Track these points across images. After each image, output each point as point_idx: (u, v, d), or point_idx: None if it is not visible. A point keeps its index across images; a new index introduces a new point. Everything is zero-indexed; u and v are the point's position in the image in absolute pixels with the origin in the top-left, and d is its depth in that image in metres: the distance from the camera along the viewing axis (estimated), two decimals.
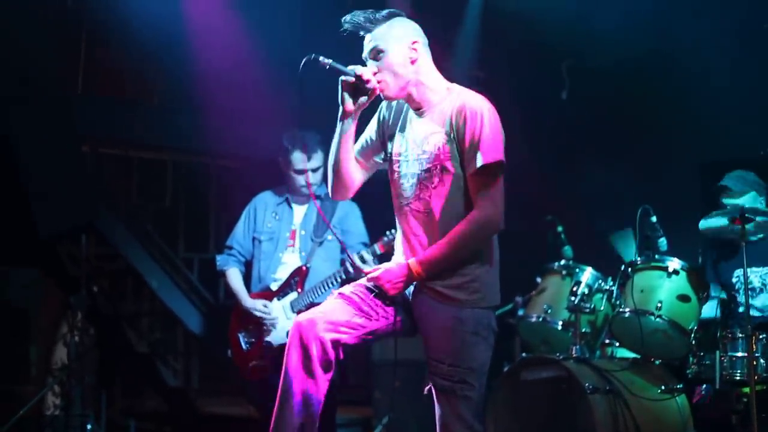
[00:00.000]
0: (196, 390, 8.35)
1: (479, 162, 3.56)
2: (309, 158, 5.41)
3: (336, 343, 3.62)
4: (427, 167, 3.67)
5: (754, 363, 4.50)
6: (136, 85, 8.53)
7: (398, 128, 3.82)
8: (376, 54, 3.69)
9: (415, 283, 3.70)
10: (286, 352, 3.64)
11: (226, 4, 7.41)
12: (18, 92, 6.09)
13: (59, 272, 7.17)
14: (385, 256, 5.19)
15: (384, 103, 3.89)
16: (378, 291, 3.71)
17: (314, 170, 5.44)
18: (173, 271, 7.77)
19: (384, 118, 3.88)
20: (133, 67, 8.21)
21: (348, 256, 5.21)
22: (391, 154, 3.83)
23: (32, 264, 7.40)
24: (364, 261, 5.13)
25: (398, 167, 3.79)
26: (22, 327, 7.68)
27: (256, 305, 5.37)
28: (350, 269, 5.14)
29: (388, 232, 5.12)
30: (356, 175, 3.88)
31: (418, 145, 3.72)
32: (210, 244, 8.82)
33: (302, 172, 5.43)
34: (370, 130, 3.90)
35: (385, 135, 3.86)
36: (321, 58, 3.61)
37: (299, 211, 5.54)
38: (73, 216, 6.56)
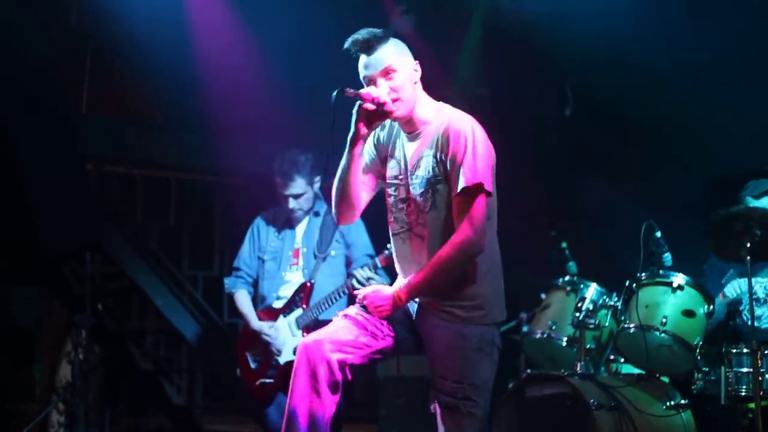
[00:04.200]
0: (200, 408, 8.34)
1: (460, 185, 3.54)
2: (287, 187, 5.40)
3: (342, 364, 3.62)
4: (420, 191, 3.66)
5: (760, 378, 4.49)
6: (140, 103, 8.57)
7: (391, 151, 3.81)
8: (387, 73, 3.63)
9: (418, 302, 3.72)
10: (293, 374, 3.63)
11: (231, 23, 7.44)
12: (23, 111, 6.12)
13: (64, 291, 7.18)
14: (388, 270, 5.21)
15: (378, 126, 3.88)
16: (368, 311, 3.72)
17: (296, 197, 5.41)
18: (178, 289, 7.77)
19: (380, 140, 3.86)
20: (138, 85, 8.24)
21: (348, 278, 5.22)
22: (385, 178, 3.82)
23: (37, 283, 7.42)
24: (367, 279, 5.13)
25: (393, 191, 3.78)
26: (27, 345, 7.68)
27: (263, 328, 5.37)
28: (354, 284, 5.14)
29: (389, 245, 5.12)
30: (363, 197, 3.85)
31: (411, 169, 3.70)
32: (215, 261, 8.83)
33: (285, 197, 5.44)
34: (368, 152, 3.87)
35: (382, 156, 3.85)
36: (347, 89, 3.57)
37: (300, 228, 5.55)
38: (78, 234, 6.59)
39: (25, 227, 6.17)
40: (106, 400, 7.26)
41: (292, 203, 5.43)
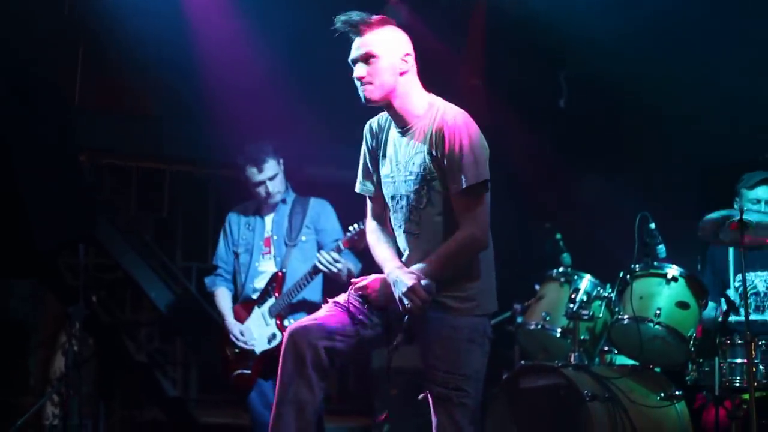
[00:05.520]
0: (194, 400, 8.34)
1: (463, 184, 3.55)
2: (261, 170, 5.50)
3: (330, 351, 3.62)
4: (415, 188, 3.67)
5: (754, 369, 4.49)
6: (134, 95, 8.53)
7: (383, 149, 3.81)
8: (368, 58, 3.66)
9: None
10: (281, 360, 3.64)
11: (227, 14, 7.42)
12: (15, 103, 6.09)
13: (58, 283, 7.17)
14: (354, 252, 5.26)
15: (366, 129, 3.89)
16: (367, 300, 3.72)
17: (271, 179, 5.51)
18: (171, 281, 7.76)
19: (369, 143, 3.88)
20: (131, 77, 8.20)
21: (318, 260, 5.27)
22: (380, 176, 3.83)
23: (31, 275, 7.40)
24: (334, 261, 5.18)
25: (388, 189, 3.80)
26: (21, 338, 7.67)
27: (233, 329, 5.44)
28: (318, 266, 5.20)
29: (351, 228, 5.19)
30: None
31: (404, 165, 3.71)
32: (208, 253, 8.80)
33: (260, 184, 5.51)
34: (364, 162, 3.91)
35: (376, 157, 3.86)
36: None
37: (269, 218, 5.62)
38: (72, 227, 6.55)
39: (19, 219, 6.14)
40: (100, 392, 7.26)
41: (270, 186, 5.50)
